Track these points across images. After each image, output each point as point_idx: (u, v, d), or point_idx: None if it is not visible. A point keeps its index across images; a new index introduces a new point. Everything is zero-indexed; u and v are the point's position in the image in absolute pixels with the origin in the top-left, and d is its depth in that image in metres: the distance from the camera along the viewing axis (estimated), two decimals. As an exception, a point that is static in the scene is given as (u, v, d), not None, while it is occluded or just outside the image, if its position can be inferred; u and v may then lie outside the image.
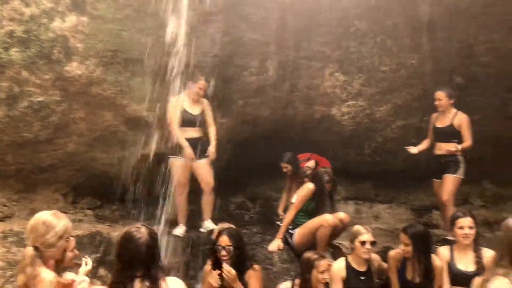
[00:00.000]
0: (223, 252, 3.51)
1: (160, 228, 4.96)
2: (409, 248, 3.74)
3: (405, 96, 5.65)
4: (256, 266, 3.66)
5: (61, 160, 5.27)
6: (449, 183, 4.94)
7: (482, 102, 5.43)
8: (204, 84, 5.00)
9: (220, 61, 5.29)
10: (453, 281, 3.75)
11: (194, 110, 5.04)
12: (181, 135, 4.93)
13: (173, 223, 5.22)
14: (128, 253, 2.22)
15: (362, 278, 3.85)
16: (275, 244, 4.68)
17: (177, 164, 4.95)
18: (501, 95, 5.37)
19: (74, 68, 4.80)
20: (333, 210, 4.71)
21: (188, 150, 4.90)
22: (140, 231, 2.26)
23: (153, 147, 5.41)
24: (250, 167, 6.08)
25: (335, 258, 4.25)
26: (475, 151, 5.66)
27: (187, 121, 4.97)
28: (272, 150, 5.60)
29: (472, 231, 3.75)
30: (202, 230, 5.13)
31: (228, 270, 3.40)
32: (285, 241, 4.75)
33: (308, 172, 5.28)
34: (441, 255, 3.85)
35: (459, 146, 4.89)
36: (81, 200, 5.62)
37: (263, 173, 6.14)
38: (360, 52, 5.56)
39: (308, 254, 3.75)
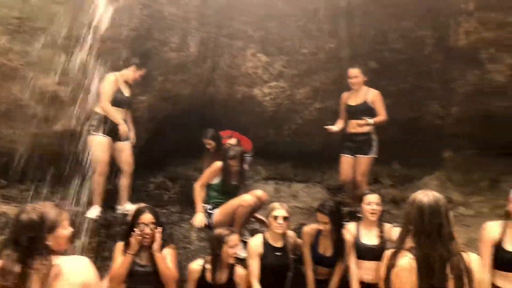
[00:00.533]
0: (147, 230, 3.46)
1: (74, 209, 4.78)
2: (328, 226, 3.90)
3: (323, 79, 5.82)
4: (172, 245, 3.70)
5: (-39, 135, 4.84)
6: (363, 164, 5.11)
7: (394, 87, 5.73)
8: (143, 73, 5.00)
9: (138, 35, 5.09)
10: (358, 255, 3.98)
11: (126, 92, 4.93)
12: (115, 113, 4.77)
13: (89, 204, 5.02)
14: (14, 234, 2.15)
15: (278, 253, 3.97)
16: (199, 219, 4.63)
17: (98, 142, 4.74)
18: (411, 81, 5.69)
19: (-26, 34, 4.40)
20: (243, 189, 4.77)
21: (123, 127, 4.79)
22: (28, 211, 2.16)
23: (67, 123, 5.15)
24: (170, 146, 5.98)
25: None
26: (386, 133, 6.01)
27: (119, 101, 4.84)
28: (193, 129, 5.54)
29: (379, 208, 3.99)
30: (118, 211, 4.98)
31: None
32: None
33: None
34: (348, 230, 4.07)
35: (371, 120, 4.96)
36: (-16, 179, 5.21)
37: (184, 153, 6.08)
38: (281, 34, 5.62)
39: (219, 230, 3.78)
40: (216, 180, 4.78)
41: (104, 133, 4.79)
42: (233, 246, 3.63)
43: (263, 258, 3.91)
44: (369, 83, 5.58)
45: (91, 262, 2.21)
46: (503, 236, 3.33)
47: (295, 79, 5.88)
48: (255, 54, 5.72)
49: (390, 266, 2.23)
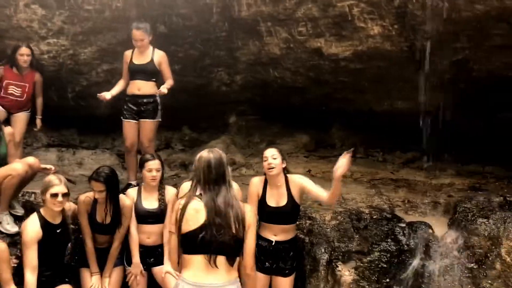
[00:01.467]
0: None
1: None
2: (104, 194, 3.76)
3: (110, 40, 5.50)
4: None
5: None
6: (149, 129, 4.97)
7: (183, 53, 5.76)
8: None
9: None
10: (139, 219, 3.98)
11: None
12: None
13: None
14: None
15: (58, 231, 3.67)
16: None
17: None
18: (199, 48, 5.81)
19: None
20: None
21: None
22: None
23: None
24: None
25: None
26: (177, 99, 6.08)
27: None
28: None
29: (159, 174, 4.01)
30: None
31: None
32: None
33: None
34: (129, 196, 4.03)
35: (165, 89, 4.77)
36: None
37: None
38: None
39: None
40: None
41: None
42: None
43: (43, 241, 3.53)
44: (158, 48, 5.54)
45: None
46: (265, 191, 3.74)
47: (78, 37, 5.42)
48: (29, 5, 5.06)
49: (182, 210, 2.59)
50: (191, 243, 2.57)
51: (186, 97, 6.08)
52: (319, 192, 3.67)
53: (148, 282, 4.04)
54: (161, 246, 3.99)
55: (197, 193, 2.64)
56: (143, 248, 3.98)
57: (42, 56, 5.35)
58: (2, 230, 3.93)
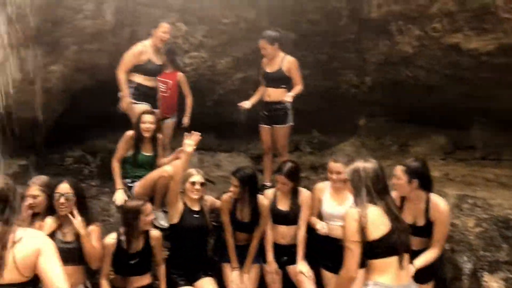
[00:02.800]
0: (62, 200, 3.42)
1: None
2: (237, 189, 4.03)
3: (245, 49, 5.85)
4: (97, 223, 3.69)
5: None
6: (281, 134, 5.12)
7: (311, 58, 5.90)
8: (168, 27, 5.02)
9: (49, 2, 4.81)
10: (274, 220, 4.16)
11: (159, 60, 5.10)
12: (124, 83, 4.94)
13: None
14: None
15: (196, 216, 4.05)
16: (119, 196, 4.51)
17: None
18: (327, 51, 5.89)
19: None
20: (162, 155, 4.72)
21: (126, 100, 4.98)
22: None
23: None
24: (88, 119, 5.80)
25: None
26: (305, 103, 6.21)
27: (149, 70, 5.03)
28: (112, 101, 5.37)
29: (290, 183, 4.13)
30: None
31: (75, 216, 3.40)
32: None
33: None
34: (266, 196, 4.24)
35: (290, 96, 4.85)
36: None
37: (103, 125, 5.89)
38: (201, 3, 5.56)
39: (131, 203, 3.80)
40: (130, 152, 4.62)
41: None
42: (148, 214, 3.66)
43: (182, 220, 3.98)
44: (288, 53, 5.73)
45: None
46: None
47: (216, 49, 5.87)
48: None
49: (363, 219, 2.65)
50: (383, 247, 2.68)
51: (315, 100, 6.18)
52: None
53: (283, 280, 4.19)
54: (294, 246, 4.12)
55: (364, 201, 2.74)
56: (278, 248, 4.15)
57: (185, 68, 5.87)
58: (157, 225, 4.41)
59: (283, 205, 4.16)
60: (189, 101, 5.62)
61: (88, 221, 3.55)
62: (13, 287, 2.15)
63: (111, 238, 3.68)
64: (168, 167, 4.47)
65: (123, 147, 4.61)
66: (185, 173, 4.08)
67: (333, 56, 5.86)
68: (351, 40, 5.75)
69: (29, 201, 3.53)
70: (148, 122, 4.53)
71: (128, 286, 3.68)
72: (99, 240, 3.59)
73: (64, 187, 3.49)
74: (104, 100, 5.37)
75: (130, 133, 4.60)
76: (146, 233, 3.72)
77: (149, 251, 3.73)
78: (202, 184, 4.04)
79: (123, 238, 3.64)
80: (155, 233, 3.79)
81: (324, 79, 6.11)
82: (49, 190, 3.60)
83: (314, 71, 5.95)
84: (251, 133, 6.62)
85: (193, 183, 4.00)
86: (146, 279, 3.75)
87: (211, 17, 5.69)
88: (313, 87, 6.06)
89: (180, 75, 5.58)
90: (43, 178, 3.80)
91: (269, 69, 5.07)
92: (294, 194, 4.15)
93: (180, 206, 4.01)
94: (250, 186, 4.07)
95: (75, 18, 5.13)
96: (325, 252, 3.91)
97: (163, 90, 5.45)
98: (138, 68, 4.98)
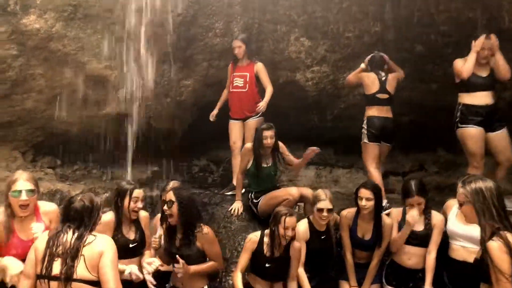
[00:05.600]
0: (165, 207, 3.51)
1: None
2: (371, 203, 3.87)
3: (367, 63, 5.72)
4: (205, 229, 3.52)
5: (19, 117, 5.18)
6: (386, 151, 5.11)
7: (441, 71, 5.56)
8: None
9: (184, 21, 5.23)
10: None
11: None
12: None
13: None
14: (64, 213, 2.76)
15: (322, 237, 4.01)
16: (235, 207, 4.72)
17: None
18: (459, 65, 5.50)
19: (31, 21, 4.68)
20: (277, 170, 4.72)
21: None
22: (77, 200, 2.72)
23: (116, 106, 5.39)
24: (213, 130, 6.11)
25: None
26: (432, 119, 5.87)
27: None
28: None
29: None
30: None
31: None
32: (246, 204, 4.80)
33: None
34: (393, 215, 4.04)
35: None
36: (41, 158, 5.57)
37: (226, 137, 6.17)
38: (325, 18, 5.58)
39: (280, 208, 3.81)
40: (250, 165, 4.63)
41: None
42: (286, 228, 3.59)
43: (309, 243, 3.94)
44: (416, 67, 5.49)
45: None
46: None
47: (338, 63, 5.83)
48: (298, 39, 5.71)
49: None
50: None
51: (442, 116, 5.80)
52: None
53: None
54: (422, 270, 3.86)
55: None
56: (403, 270, 3.92)
57: (306, 83, 5.92)
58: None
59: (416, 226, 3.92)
60: (269, 90, 5.24)
61: (193, 229, 3.52)
62: (84, 283, 2.53)
63: (255, 235, 3.78)
64: (295, 190, 4.49)
65: (244, 159, 4.69)
66: (315, 193, 4.06)
67: (465, 69, 5.45)
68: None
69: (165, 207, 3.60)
70: (269, 138, 4.52)
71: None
72: (214, 243, 3.61)
73: (169, 195, 3.53)
74: (227, 113, 5.64)
75: (249, 145, 4.68)
76: (288, 243, 3.72)
77: (287, 260, 3.74)
78: (329, 211, 3.92)
79: (266, 240, 3.71)
80: (297, 244, 3.78)
81: (454, 94, 5.70)
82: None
83: (443, 85, 5.60)
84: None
85: (321, 210, 3.90)
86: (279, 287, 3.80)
87: (334, 31, 5.67)
88: (441, 103, 5.72)
89: (258, 65, 5.31)
90: (177, 184, 3.98)
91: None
92: (427, 215, 3.89)
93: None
94: (378, 201, 3.93)
95: (206, 36, 5.50)
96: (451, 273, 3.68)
97: (240, 85, 5.32)
98: None
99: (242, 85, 5.33)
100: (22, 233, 3.03)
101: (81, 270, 2.52)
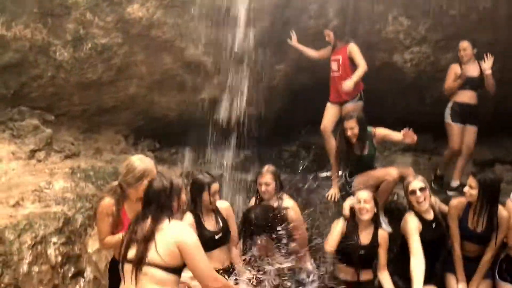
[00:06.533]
0: (263, 188, 3.70)
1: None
2: (474, 192, 3.64)
3: (474, 43, 5.29)
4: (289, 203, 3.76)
5: (123, 102, 5.43)
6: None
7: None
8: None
9: (278, 4, 5.16)
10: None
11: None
12: None
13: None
14: (145, 195, 2.60)
15: (433, 225, 3.80)
16: (332, 192, 4.70)
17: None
18: None
19: (135, 10, 4.86)
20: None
21: None
22: (157, 180, 2.61)
23: (212, 92, 5.49)
24: (304, 116, 6.02)
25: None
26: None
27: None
28: (328, 98, 5.48)
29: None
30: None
31: None
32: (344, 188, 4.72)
33: None
34: (510, 208, 3.72)
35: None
36: (141, 142, 5.81)
37: (318, 122, 6.06)
38: (428, -5, 5.24)
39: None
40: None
41: None
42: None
43: (422, 233, 3.69)
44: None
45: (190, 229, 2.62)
46: None
47: (440, 44, 5.46)
48: (396, 18, 5.42)
49: None
50: None
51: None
52: None
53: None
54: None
55: None
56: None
57: (404, 64, 5.63)
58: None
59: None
60: (360, 69, 5.00)
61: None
62: (155, 267, 2.43)
63: (340, 221, 3.77)
64: (394, 170, 4.30)
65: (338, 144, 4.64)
66: (404, 183, 3.89)
67: None
68: None
69: (262, 188, 3.81)
70: (349, 129, 4.43)
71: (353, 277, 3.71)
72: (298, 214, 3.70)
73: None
74: (320, 98, 5.52)
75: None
76: (376, 229, 3.68)
77: (375, 247, 3.68)
78: (421, 189, 3.71)
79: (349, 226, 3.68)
80: (383, 232, 3.72)
81: None
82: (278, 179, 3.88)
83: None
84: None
85: (413, 192, 3.73)
86: (369, 274, 3.72)
87: (436, 9, 5.30)
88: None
89: (350, 46, 5.11)
90: (272, 167, 4.04)
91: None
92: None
93: None
94: (491, 192, 3.63)
95: (301, 19, 5.39)
96: None
97: (335, 69, 5.22)
98: None
99: (337, 69, 5.22)
100: (131, 214, 3.17)
101: (153, 254, 2.44)
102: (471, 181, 3.66)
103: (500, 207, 3.70)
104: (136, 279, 2.43)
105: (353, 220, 3.70)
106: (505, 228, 3.63)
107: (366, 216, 3.62)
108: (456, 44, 5.40)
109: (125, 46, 5.04)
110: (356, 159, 4.54)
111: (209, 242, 3.32)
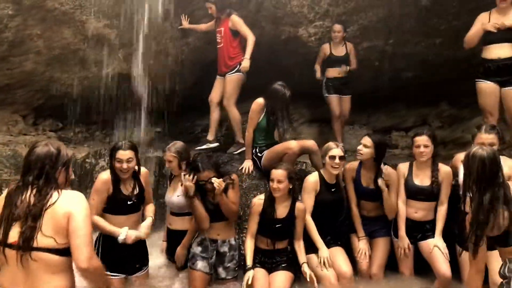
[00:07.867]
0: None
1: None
2: (369, 150, 3.99)
3: (371, 17, 5.62)
4: (234, 175, 3.83)
5: (19, 80, 5.04)
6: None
7: (445, 25, 5.50)
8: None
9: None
10: (409, 194, 4.01)
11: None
12: None
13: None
14: (25, 162, 2.28)
15: (332, 190, 4.06)
16: (245, 166, 4.67)
17: None
18: (464, 18, 5.42)
19: (25, -22, 4.48)
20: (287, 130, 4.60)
21: None
22: (42, 144, 2.29)
23: (117, 66, 5.27)
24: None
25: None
26: (433, 73, 5.85)
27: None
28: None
29: (427, 149, 3.93)
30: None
31: (219, 182, 3.56)
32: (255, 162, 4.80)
33: None
34: (400, 170, 4.09)
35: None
36: (42, 122, 5.47)
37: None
38: (328, -30, 5.42)
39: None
40: (261, 119, 4.56)
41: None
42: (273, 180, 3.71)
43: (319, 194, 3.99)
44: (420, 21, 5.42)
45: (83, 198, 2.27)
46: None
47: (341, 18, 5.71)
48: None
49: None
50: None
51: (445, 70, 5.80)
52: None
53: (414, 256, 4.06)
54: (429, 222, 3.96)
55: None
56: (410, 222, 4.00)
57: (309, 38, 5.81)
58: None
59: (420, 180, 3.98)
60: (249, 42, 5.08)
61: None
62: (48, 252, 2.11)
63: (259, 199, 3.84)
64: (293, 143, 4.44)
65: (254, 115, 4.59)
66: (325, 145, 4.09)
67: (470, 23, 5.37)
68: (490, 7, 5.22)
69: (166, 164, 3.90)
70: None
71: (269, 247, 3.82)
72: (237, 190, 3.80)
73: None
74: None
75: (260, 100, 4.54)
76: (293, 202, 3.80)
77: (292, 220, 3.81)
78: (341, 158, 3.97)
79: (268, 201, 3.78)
80: (300, 205, 3.85)
81: (458, 48, 5.65)
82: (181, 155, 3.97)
83: (446, 39, 5.56)
84: (373, 106, 6.47)
85: (333, 157, 3.95)
86: (284, 244, 3.87)
87: (337, -16, 5.52)
88: (444, 57, 5.71)
89: (232, 18, 5.18)
90: (178, 144, 4.06)
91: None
92: (434, 169, 3.96)
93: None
94: (382, 150, 4.02)
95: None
96: None
97: (219, 41, 5.33)
98: None
99: (220, 40, 5.33)
100: None
101: (43, 237, 2.10)
102: (367, 141, 4.00)
103: (386, 166, 4.08)
104: (23, 266, 2.09)
105: (270, 195, 3.80)
106: (449, 182, 3.95)
107: (278, 194, 3.75)
108: (357, 18, 5.71)
109: (18, 18, 4.64)
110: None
111: (121, 206, 3.44)
